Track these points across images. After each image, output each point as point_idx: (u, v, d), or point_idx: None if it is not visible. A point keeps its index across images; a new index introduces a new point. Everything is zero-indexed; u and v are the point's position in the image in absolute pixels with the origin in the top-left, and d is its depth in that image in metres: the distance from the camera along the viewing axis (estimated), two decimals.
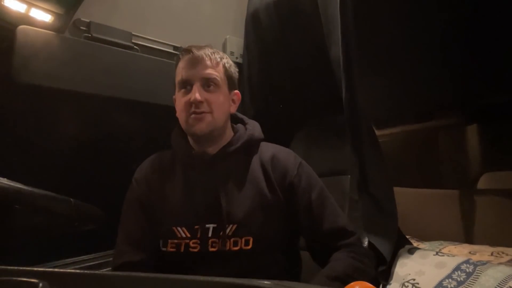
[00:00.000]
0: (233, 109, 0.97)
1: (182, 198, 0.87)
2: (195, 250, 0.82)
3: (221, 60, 0.91)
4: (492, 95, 1.81)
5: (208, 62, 0.88)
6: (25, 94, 1.22)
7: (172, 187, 0.90)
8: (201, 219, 0.84)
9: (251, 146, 0.93)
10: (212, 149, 0.90)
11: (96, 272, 0.37)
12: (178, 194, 0.88)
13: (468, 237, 1.90)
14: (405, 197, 1.82)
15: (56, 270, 0.38)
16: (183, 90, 0.88)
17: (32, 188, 0.85)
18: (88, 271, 0.36)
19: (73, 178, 1.36)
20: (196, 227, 0.84)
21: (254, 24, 1.72)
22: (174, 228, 0.84)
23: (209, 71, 0.87)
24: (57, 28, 1.21)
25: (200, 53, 0.88)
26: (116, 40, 1.36)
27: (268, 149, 0.95)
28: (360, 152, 1.17)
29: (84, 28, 1.28)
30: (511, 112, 1.82)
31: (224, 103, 0.90)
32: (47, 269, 0.37)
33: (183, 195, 0.88)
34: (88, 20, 1.29)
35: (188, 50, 0.89)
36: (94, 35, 1.29)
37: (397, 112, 2.18)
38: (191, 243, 0.83)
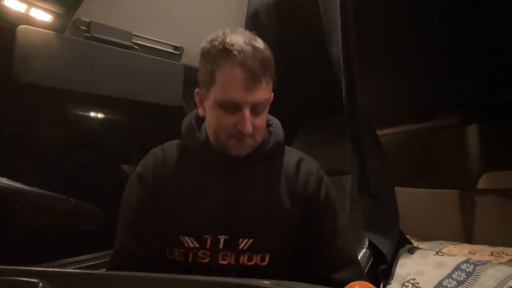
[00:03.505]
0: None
1: (193, 203, 0.77)
2: (205, 261, 0.75)
3: (272, 68, 0.74)
4: (492, 95, 1.81)
5: (264, 83, 0.71)
6: (25, 94, 1.22)
7: (182, 189, 0.79)
8: (212, 229, 0.76)
9: (275, 152, 0.83)
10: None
11: (96, 272, 0.37)
12: (189, 198, 0.78)
13: (468, 237, 1.90)
14: (405, 197, 1.82)
15: (56, 270, 0.38)
16: (224, 110, 0.71)
17: (32, 188, 0.85)
18: (88, 271, 0.36)
19: (73, 178, 1.37)
20: (206, 237, 0.75)
21: (254, 24, 1.72)
22: (181, 237, 0.76)
23: (263, 94, 0.72)
24: (57, 28, 1.21)
25: (257, 69, 0.69)
26: (116, 40, 1.36)
27: (292, 157, 0.85)
28: (360, 152, 1.17)
29: (84, 28, 1.28)
30: (511, 112, 1.82)
31: (265, 119, 0.78)
32: (47, 269, 0.37)
33: (195, 199, 0.78)
34: (88, 20, 1.28)
35: (241, 62, 0.68)
36: (94, 35, 1.29)
37: (397, 112, 2.18)
38: (199, 253, 0.75)
